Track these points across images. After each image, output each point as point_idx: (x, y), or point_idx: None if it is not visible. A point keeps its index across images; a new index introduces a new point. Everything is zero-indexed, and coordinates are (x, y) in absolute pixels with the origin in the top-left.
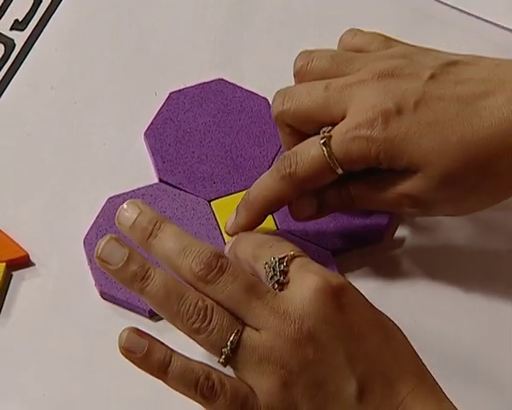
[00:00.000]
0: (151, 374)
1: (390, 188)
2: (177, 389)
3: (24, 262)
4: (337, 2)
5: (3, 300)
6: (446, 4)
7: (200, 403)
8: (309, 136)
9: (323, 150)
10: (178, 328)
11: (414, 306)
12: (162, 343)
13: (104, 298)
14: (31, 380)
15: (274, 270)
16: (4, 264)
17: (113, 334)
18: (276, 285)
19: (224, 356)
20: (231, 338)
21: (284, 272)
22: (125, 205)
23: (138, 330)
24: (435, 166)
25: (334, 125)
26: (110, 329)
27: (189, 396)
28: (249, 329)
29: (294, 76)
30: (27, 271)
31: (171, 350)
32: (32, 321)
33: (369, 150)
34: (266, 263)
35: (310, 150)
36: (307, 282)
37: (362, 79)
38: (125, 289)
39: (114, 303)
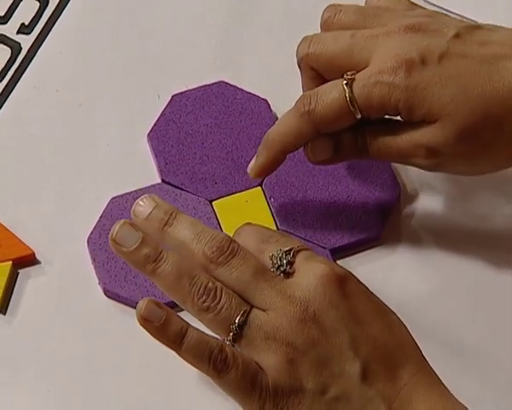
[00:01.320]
0: (166, 344)
1: (406, 137)
2: (189, 361)
3: (30, 260)
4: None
5: (10, 297)
6: (441, 8)
7: (211, 376)
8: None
9: (345, 92)
10: (188, 309)
11: (413, 302)
12: (179, 316)
13: (108, 296)
14: (36, 376)
15: (280, 260)
16: (11, 262)
17: (116, 331)
18: (282, 275)
19: (232, 333)
20: (239, 317)
21: (290, 263)
22: (140, 201)
23: (156, 300)
24: (454, 117)
25: (357, 71)
26: (114, 326)
27: (201, 369)
28: (256, 310)
29: (321, 27)
30: (33, 269)
31: (187, 323)
32: (38, 318)
33: (389, 97)
34: (273, 255)
35: (331, 91)
36: (313, 270)
37: (388, 31)
38: (129, 288)
39: (118, 301)
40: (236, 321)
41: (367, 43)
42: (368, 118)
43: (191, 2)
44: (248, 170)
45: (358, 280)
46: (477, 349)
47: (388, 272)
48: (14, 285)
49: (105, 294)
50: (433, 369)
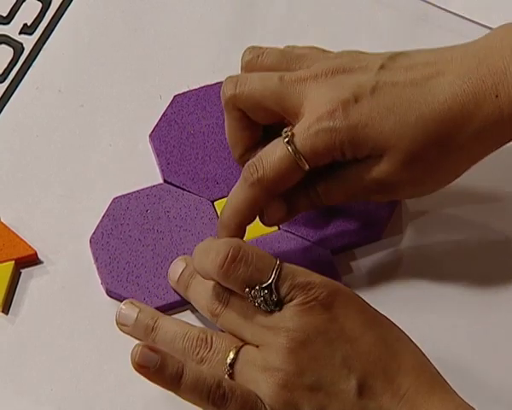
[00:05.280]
0: (164, 387)
1: (356, 177)
2: (188, 399)
3: (32, 260)
4: (335, 9)
5: (12, 297)
6: (443, 8)
7: None
8: (255, 124)
9: (288, 149)
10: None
11: (413, 302)
12: (172, 356)
13: (110, 296)
14: (39, 375)
15: (264, 297)
16: (13, 262)
17: (118, 331)
18: (272, 307)
19: (226, 375)
20: (231, 354)
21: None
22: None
23: (150, 345)
24: (398, 148)
25: (286, 119)
26: (116, 326)
27: (201, 405)
28: (248, 346)
29: (242, 68)
30: (36, 269)
31: (182, 362)
32: (40, 318)
33: (333, 141)
34: (255, 294)
35: (275, 152)
36: (292, 308)
37: (315, 74)
38: (131, 288)
39: (120, 301)
40: (228, 361)
41: (296, 87)
42: (316, 167)
43: (194, 4)
44: None
45: (346, 291)
46: (475, 347)
47: (389, 272)
48: (16, 285)
49: (107, 294)
50: (436, 366)
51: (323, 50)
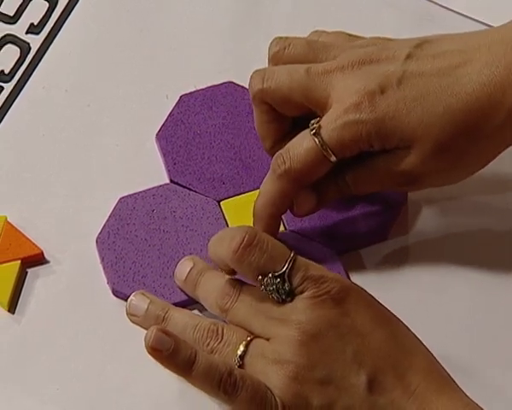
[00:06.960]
0: (176, 372)
1: (384, 168)
2: (199, 386)
3: (38, 260)
4: (340, 9)
5: (19, 296)
6: (446, 8)
7: (221, 399)
8: (283, 117)
9: (315, 141)
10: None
11: (419, 303)
12: (186, 342)
13: (116, 296)
14: (44, 375)
15: (276, 285)
16: (20, 261)
17: (124, 330)
18: (284, 297)
19: (236, 366)
20: (241, 347)
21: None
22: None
23: (164, 328)
24: (426, 139)
25: (314, 111)
26: (121, 326)
27: (211, 393)
28: (259, 339)
29: (269, 60)
30: (42, 268)
31: (195, 348)
32: (47, 317)
33: (360, 133)
34: (267, 282)
35: (302, 144)
36: (304, 300)
37: (341, 66)
38: (137, 288)
39: (126, 301)
40: (238, 353)
41: (323, 79)
42: (343, 159)
43: (199, 4)
44: None
45: (357, 288)
46: (480, 348)
47: (395, 273)
48: (22, 284)
49: (113, 294)
50: (444, 366)
51: (350, 36)
